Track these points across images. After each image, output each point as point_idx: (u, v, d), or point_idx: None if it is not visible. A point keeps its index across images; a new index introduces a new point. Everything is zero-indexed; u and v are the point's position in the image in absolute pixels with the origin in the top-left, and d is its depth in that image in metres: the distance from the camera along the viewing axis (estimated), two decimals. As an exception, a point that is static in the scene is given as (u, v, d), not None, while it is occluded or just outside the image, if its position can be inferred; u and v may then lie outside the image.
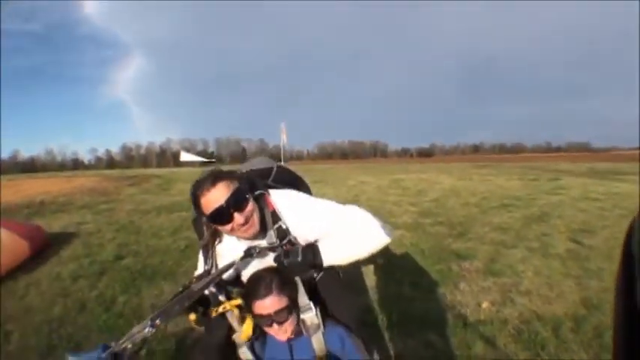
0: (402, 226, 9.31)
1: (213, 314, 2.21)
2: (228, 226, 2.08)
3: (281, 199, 2.30)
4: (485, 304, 5.06)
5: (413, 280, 5.88)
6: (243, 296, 2.19)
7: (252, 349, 2.27)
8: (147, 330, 1.94)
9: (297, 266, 2.12)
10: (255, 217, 2.11)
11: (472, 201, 12.29)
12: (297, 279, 2.30)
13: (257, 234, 2.17)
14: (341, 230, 2.19)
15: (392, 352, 4.11)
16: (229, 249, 2.26)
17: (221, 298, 2.22)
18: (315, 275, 2.44)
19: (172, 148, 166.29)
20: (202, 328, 2.45)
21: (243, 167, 2.64)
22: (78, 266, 6.98)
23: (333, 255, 2.17)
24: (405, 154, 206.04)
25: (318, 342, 2.20)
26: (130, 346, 1.94)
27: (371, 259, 6.52)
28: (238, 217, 2.04)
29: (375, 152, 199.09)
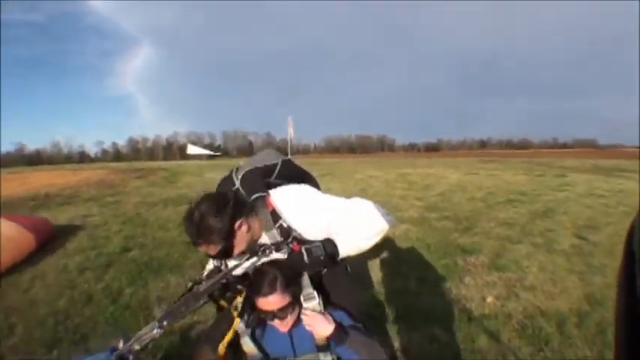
0: (408, 220, 9.33)
1: (224, 306, 2.32)
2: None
3: (280, 197, 2.36)
4: (489, 299, 5.08)
5: (418, 275, 5.90)
6: (247, 288, 2.23)
7: (254, 339, 2.29)
8: (155, 331, 2.04)
9: (320, 263, 2.17)
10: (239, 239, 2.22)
11: (478, 196, 12.29)
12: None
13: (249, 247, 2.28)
14: (347, 222, 2.23)
15: (397, 346, 4.14)
16: None
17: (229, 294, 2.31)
18: (323, 269, 2.47)
19: (179, 141, 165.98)
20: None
21: (249, 162, 2.66)
22: (84, 258, 7.00)
23: (345, 247, 2.22)
24: (412, 148, 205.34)
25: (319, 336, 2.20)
26: (137, 347, 2.00)
27: (377, 253, 6.58)
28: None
29: (382, 146, 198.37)
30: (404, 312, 4.72)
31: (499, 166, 22.60)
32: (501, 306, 4.89)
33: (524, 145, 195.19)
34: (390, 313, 4.74)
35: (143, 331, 2.05)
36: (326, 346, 2.19)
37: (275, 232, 2.32)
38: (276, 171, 2.59)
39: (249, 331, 2.29)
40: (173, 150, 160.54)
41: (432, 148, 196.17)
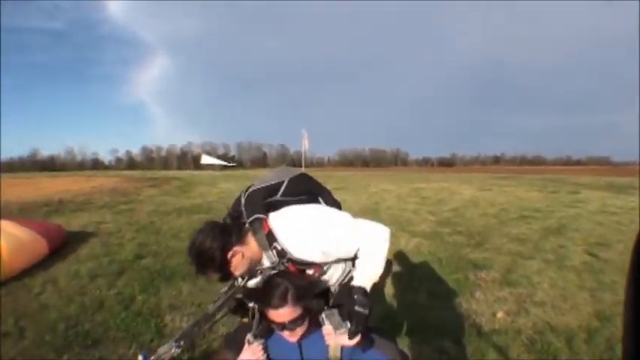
0: (420, 234, 9.33)
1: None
2: None
3: (277, 219, 2.40)
4: (500, 314, 5.09)
5: (430, 289, 5.93)
6: (258, 298, 2.26)
7: (264, 347, 2.31)
8: (173, 350, 2.15)
9: (365, 318, 2.14)
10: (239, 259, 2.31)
11: (491, 212, 12.25)
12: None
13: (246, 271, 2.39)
14: (362, 254, 2.30)
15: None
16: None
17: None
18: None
19: (193, 151, 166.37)
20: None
21: (261, 179, 2.71)
22: (97, 265, 7.05)
23: (369, 281, 2.26)
24: (425, 163, 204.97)
25: (335, 349, 2.20)
26: None
27: (388, 267, 6.59)
28: None
29: (395, 160, 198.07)
30: (415, 325, 4.74)
31: (512, 182, 22.51)
32: (511, 321, 4.90)
33: (537, 162, 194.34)
34: (400, 326, 4.77)
35: (162, 350, 2.13)
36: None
37: (271, 253, 2.37)
38: (282, 189, 2.60)
39: (259, 340, 2.31)
40: (187, 160, 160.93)
41: (446, 163, 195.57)
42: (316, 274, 2.46)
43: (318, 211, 2.48)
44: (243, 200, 2.56)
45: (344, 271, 2.56)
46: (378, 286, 2.86)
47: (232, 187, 17.20)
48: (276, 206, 2.48)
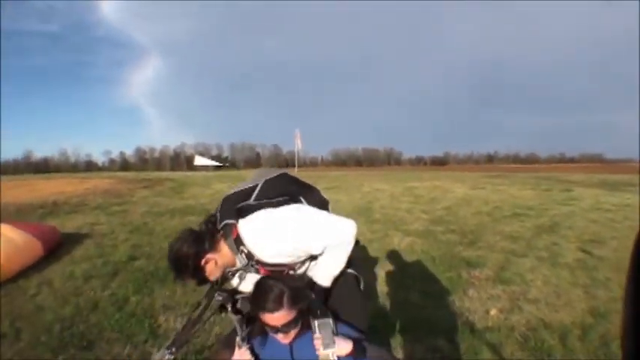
0: (413, 233, 9.35)
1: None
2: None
3: (246, 224, 2.47)
4: (493, 312, 5.09)
5: (423, 287, 5.93)
6: (250, 301, 2.27)
7: (251, 350, 2.32)
8: (167, 357, 2.19)
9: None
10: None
11: (484, 210, 12.27)
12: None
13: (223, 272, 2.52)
14: (326, 253, 2.45)
15: (401, 357, 4.16)
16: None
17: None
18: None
19: (186, 152, 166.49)
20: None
21: (239, 184, 2.76)
22: (91, 266, 7.04)
23: (326, 277, 2.46)
24: (418, 162, 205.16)
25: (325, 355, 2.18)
26: None
27: (382, 265, 6.62)
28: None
29: (389, 160, 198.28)
30: (408, 324, 4.75)
31: (506, 180, 22.50)
32: (505, 319, 4.90)
33: (531, 160, 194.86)
34: (393, 324, 4.78)
35: (157, 357, 2.17)
36: None
37: (240, 256, 2.45)
38: (255, 193, 2.63)
39: (246, 344, 2.33)
40: (180, 161, 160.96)
41: (439, 162, 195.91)
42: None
43: (284, 213, 2.50)
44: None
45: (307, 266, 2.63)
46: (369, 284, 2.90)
47: (225, 188, 17.11)
48: (250, 210, 2.53)
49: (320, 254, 2.45)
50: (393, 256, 7.46)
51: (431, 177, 26.27)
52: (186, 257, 2.35)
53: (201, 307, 2.42)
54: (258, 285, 2.22)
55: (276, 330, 2.13)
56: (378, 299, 5.58)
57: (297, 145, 38.74)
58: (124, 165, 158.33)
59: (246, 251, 2.43)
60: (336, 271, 2.48)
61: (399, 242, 8.51)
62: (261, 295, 2.15)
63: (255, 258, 2.44)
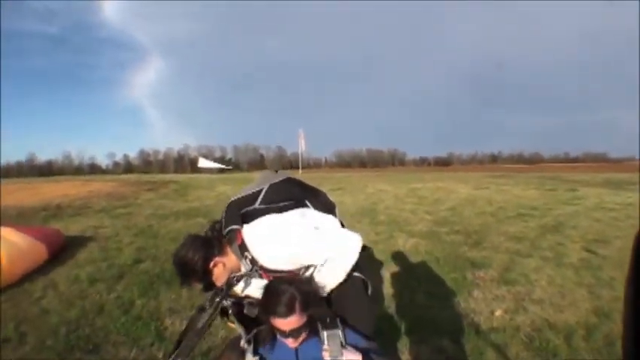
0: (417, 234, 9.35)
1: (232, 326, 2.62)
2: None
3: (250, 230, 2.50)
4: (498, 312, 5.10)
5: (428, 288, 5.93)
6: (260, 304, 2.26)
7: (257, 353, 2.34)
8: None
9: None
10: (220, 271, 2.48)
11: (488, 210, 12.25)
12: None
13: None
14: (328, 263, 2.46)
15: (406, 358, 4.17)
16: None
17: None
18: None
19: (190, 154, 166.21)
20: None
21: (245, 188, 2.76)
22: (95, 269, 7.05)
23: (326, 291, 2.45)
24: (422, 162, 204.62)
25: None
26: None
27: (387, 267, 6.63)
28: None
29: (393, 161, 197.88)
30: (413, 325, 4.76)
31: (510, 180, 22.44)
32: (510, 319, 4.91)
33: (535, 160, 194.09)
34: (399, 325, 4.79)
35: None
36: None
37: (244, 262, 2.47)
38: (260, 197, 2.65)
39: (251, 347, 2.35)
40: (184, 163, 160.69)
41: (443, 163, 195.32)
42: None
43: (288, 219, 2.52)
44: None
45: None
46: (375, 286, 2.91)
47: (230, 190, 17.17)
48: (255, 215, 2.55)
49: (321, 264, 2.46)
50: (398, 257, 7.46)
51: (434, 178, 26.26)
52: (195, 260, 2.37)
53: (207, 315, 2.38)
54: (269, 288, 2.22)
55: (287, 335, 2.12)
56: (384, 300, 5.57)
57: (301, 145, 38.85)
58: (128, 167, 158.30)
59: (250, 257, 2.45)
60: (333, 285, 2.47)
61: (403, 243, 8.50)
62: (272, 299, 2.14)
63: (259, 264, 2.45)
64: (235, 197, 2.69)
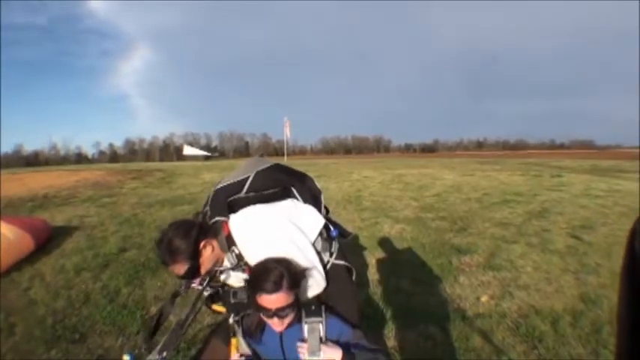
0: (403, 220, 9.36)
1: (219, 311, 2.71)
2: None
3: (237, 223, 2.52)
4: (484, 298, 5.12)
5: (413, 274, 5.94)
6: (248, 282, 2.26)
7: (245, 337, 2.34)
8: None
9: None
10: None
11: (474, 196, 12.26)
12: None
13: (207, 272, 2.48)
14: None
15: (392, 344, 4.17)
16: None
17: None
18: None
19: (175, 142, 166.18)
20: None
21: (229, 175, 2.76)
22: (81, 259, 7.01)
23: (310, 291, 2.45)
24: (408, 149, 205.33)
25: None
26: None
27: (372, 253, 6.63)
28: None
29: (378, 147, 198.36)
30: (399, 311, 4.77)
31: (495, 166, 22.50)
32: (495, 305, 4.93)
33: (520, 146, 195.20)
34: (384, 312, 4.80)
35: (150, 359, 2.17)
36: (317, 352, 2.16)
37: (230, 255, 2.48)
38: (247, 185, 2.63)
39: (240, 329, 2.34)
40: (170, 151, 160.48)
41: (428, 149, 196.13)
42: None
43: (274, 219, 2.53)
44: (210, 196, 2.66)
45: None
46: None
47: (215, 178, 17.09)
48: (241, 204, 2.56)
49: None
50: (383, 243, 7.48)
51: (420, 164, 26.28)
52: (187, 237, 2.34)
53: (190, 308, 2.42)
54: (258, 266, 2.23)
55: (273, 314, 2.11)
56: (369, 287, 5.59)
57: (286, 133, 38.77)
58: (114, 156, 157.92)
59: (237, 252, 2.45)
60: (316, 291, 2.49)
61: (388, 230, 8.52)
62: (260, 276, 2.15)
63: (245, 259, 2.45)
64: (221, 185, 2.67)
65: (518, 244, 7.19)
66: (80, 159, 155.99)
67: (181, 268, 2.36)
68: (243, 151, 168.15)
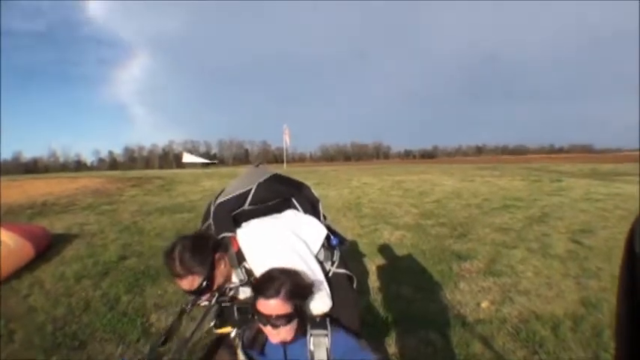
0: (403, 227, 9.36)
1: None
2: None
3: (245, 237, 2.49)
4: (484, 304, 5.11)
5: (414, 281, 5.94)
6: (252, 287, 2.26)
7: (246, 353, 2.30)
8: None
9: None
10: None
11: (474, 202, 12.27)
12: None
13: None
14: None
15: (392, 350, 4.17)
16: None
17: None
18: None
19: (175, 150, 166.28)
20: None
21: (229, 189, 2.73)
22: (81, 266, 7.01)
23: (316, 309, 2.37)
24: (407, 155, 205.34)
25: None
26: None
27: (373, 260, 6.64)
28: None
29: (377, 154, 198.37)
30: (399, 317, 4.77)
31: (495, 172, 22.50)
32: (496, 311, 4.92)
33: (520, 151, 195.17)
34: (385, 318, 4.79)
35: None
36: None
37: (240, 271, 2.46)
38: (249, 198, 2.62)
39: (240, 343, 2.32)
40: (169, 159, 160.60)
41: (428, 155, 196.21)
42: None
43: (280, 232, 2.52)
44: (212, 211, 2.65)
45: None
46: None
47: (215, 185, 17.16)
48: (245, 217, 2.58)
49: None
50: (383, 250, 7.48)
51: (420, 170, 26.29)
52: (201, 252, 2.30)
53: (193, 327, 2.39)
54: (264, 273, 2.22)
55: (267, 321, 2.08)
56: (370, 293, 5.59)
57: (286, 141, 38.85)
58: (113, 164, 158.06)
59: (247, 267, 2.45)
60: (322, 309, 2.44)
61: (388, 236, 8.53)
62: (262, 280, 2.16)
63: (254, 276, 2.43)
64: (223, 198, 2.65)
65: (519, 250, 7.19)
66: (79, 166, 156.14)
67: (194, 282, 2.30)
68: (242, 158, 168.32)
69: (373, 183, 18.02)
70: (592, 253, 6.79)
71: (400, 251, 7.46)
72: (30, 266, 6.90)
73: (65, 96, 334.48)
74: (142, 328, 4.81)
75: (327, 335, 2.18)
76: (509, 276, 6.02)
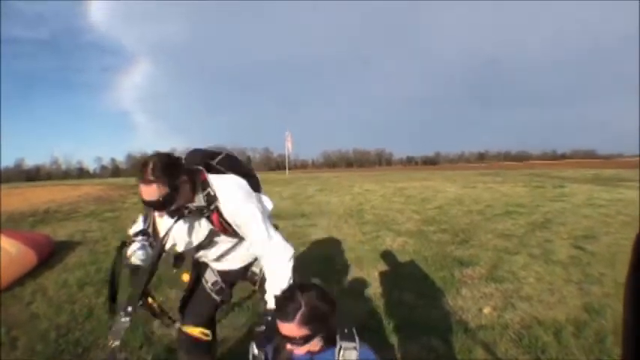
0: (405, 233, 9.34)
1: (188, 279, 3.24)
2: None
3: (217, 178, 2.71)
4: (486, 310, 5.10)
5: (416, 287, 5.92)
6: (276, 303, 2.22)
7: (260, 347, 2.31)
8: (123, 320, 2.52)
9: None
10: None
11: (476, 208, 12.25)
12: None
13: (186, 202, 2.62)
14: (269, 274, 2.66)
15: (394, 357, 4.17)
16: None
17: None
18: None
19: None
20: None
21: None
22: (84, 273, 7.01)
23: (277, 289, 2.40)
24: (409, 162, 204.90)
25: None
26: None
27: (375, 266, 6.62)
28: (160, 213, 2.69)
29: (379, 161, 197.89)
30: (401, 324, 4.75)
31: (497, 178, 22.46)
32: (498, 317, 4.92)
33: (522, 157, 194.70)
34: (387, 324, 4.78)
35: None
36: None
37: (201, 197, 2.61)
38: (219, 157, 2.87)
39: (262, 355, 2.31)
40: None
41: (430, 162, 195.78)
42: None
43: (248, 188, 2.79)
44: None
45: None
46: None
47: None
48: (210, 170, 2.75)
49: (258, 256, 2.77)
50: (385, 256, 7.45)
51: (422, 177, 26.27)
52: (173, 165, 2.49)
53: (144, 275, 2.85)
54: (287, 290, 2.24)
55: (285, 341, 2.11)
56: (372, 300, 5.59)
57: (288, 147, 38.81)
58: (116, 171, 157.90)
59: (212, 193, 2.60)
60: (283, 285, 2.47)
61: (390, 243, 8.51)
62: (281, 300, 2.15)
63: (216, 203, 2.61)
64: (197, 149, 2.97)
65: (521, 255, 7.18)
66: (82, 174, 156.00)
67: (157, 192, 2.42)
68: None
69: (375, 189, 17.99)
70: (594, 259, 6.78)
71: (402, 258, 7.44)
72: (33, 273, 6.89)
73: (67, 103, 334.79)
74: (144, 335, 4.82)
75: (356, 348, 2.19)
76: (511, 282, 6.01)
